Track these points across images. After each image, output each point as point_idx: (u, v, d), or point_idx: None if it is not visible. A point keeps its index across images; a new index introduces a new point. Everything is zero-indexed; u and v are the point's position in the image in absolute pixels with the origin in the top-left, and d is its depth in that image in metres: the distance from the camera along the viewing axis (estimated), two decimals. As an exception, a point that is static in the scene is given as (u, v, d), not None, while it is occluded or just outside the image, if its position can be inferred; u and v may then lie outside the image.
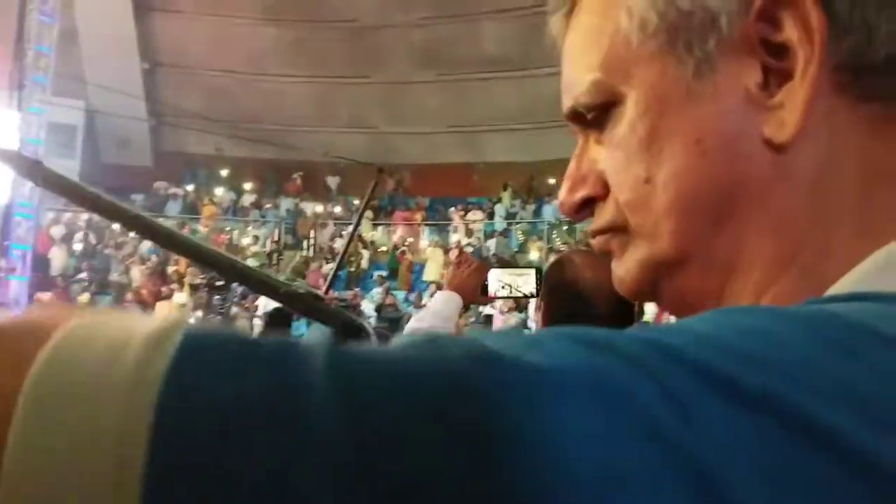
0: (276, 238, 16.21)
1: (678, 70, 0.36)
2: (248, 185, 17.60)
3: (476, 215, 15.82)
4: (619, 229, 0.40)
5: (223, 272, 0.80)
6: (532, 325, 11.71)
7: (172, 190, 17.03)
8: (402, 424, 0.21)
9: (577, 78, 0.40)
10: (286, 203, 17.22)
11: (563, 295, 1.42)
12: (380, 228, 16.13)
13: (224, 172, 17.70)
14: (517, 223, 15.44)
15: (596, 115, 0.40)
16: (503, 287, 1.75)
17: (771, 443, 0.22)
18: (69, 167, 13.52)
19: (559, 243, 13.82)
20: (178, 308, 11.68)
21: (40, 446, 0.20)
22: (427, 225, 16.12)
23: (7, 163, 0.72)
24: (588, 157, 0.41)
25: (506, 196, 15.99)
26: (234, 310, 12.31)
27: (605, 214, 0.41)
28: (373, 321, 10.28)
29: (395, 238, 15.70)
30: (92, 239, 15.32)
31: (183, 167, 17.59)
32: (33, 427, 0.21)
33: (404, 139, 16.82)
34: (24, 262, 11.34)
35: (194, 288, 13.09)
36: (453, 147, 16.58)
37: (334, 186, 17.27)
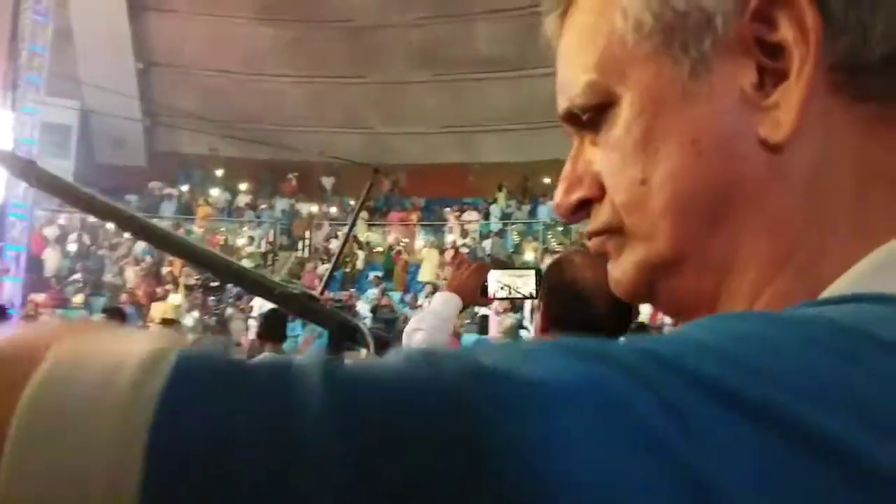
0: (271, 239, 16.19)
1: (674, 71, 0.36)
2: (243, 186, 17.58)
3: (471, 216, 15.82)
4: (615, 231, 0.40)
5: (218, 273, 0.80)
6: (528, 325, 11.72)
7: (167, 190, 16.99)
8: (397, 441, 0.21)
9: (572, 79, 0.40)
10: (281, 203, 17.19)
11: (563, 295, 1.42)
12: (375, 229, 16.12)
13: (219, 173, 17.67)
14: (512, 224, 15.45)
15: (591, 117, 0.39)
16: (502, 288, 1.75)
17: (771, 453, 0.22)
18: (63, 167, 13.47)
19: (555, 244, 13.83)
20: (174, 309, 11.65)
21: (35, 469, 0.20)
22: (423, 225, 16.12)
23: (1, 163, 0.72)
24: (583, 159, 0.41)
25: (501, 196, 16.00)
26: (229, 311, 12.28)
27: (601, 216, 0.40)
28: (368, 322, 10.27)
29: (391, 238, 15.70)
30: (86, 240, 15.28)
31: (178, 167, 17.55)
32: (28, 450, 0.21)
33: (400, 139, 16.82)
34: (17, 264, 11.30)
35: (189, 289, 13.05)
36: (449, 147, 16.58)
37: (329, 187, 17.25)
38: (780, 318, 0.28)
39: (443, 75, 16.16)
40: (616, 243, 0.40)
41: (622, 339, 0.28)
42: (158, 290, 13.49)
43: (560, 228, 14.08)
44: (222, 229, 16.29)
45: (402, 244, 15.30)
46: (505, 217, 15.71)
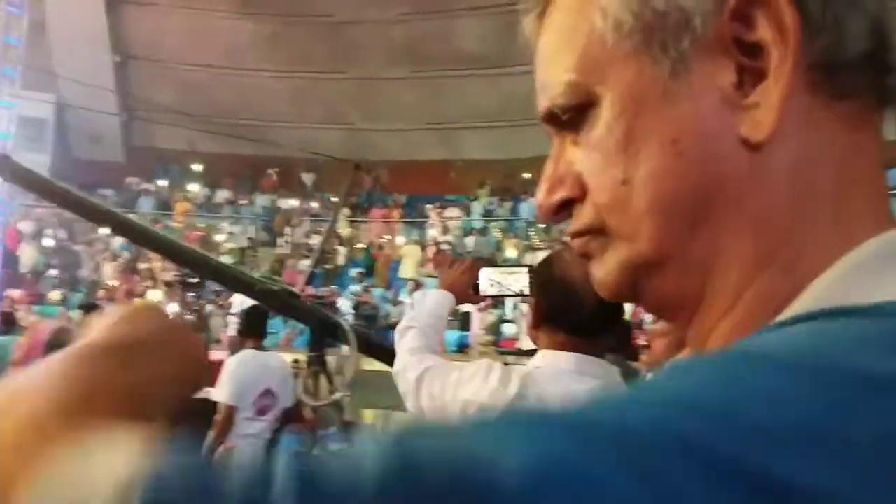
0: (251, 235, 16.07)
1: (654, 70, 0.36)
2: (222, 181, 17.42)
3: (453, 213, 15.82)
4: (597, 231, 0.40)
5: (197, 269, 0.80)
6: (509, 321, 11.75)
7: (145, 185, 16.80)
8: None
9: (552, 79, 0.40)
10: (261, 199, 17.07)
11: (553, 292, 1.44)
12: (357, 225, 16.06)
13: (198, 168, 17.50)
14: (495, 221, 15.47)
15: (572, 117, 0.39)
16: (493, 286, 1.76)
17: None
18: (39, 162, 13.25)
19: (536, 241, 13.87)
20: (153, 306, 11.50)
21: None
22: (404, 222, 16.09)
23: (-26, 157, 0.70)
24: (565, 159, 0.41)
25: (483, 193, 16.02)
26: (209, 307, 12.18)
27: (583, 216, 0.40)
28: (349, 319, 10.25)
29: (372, 235, 15.65)
30: (62, 235, 15.06)
31: (156, 162, 17.36)
32: None
33: (381, 136, 16.77)
34: (-8, 259, 11.11)
35: (168, 285, 12.92)
36: (431, 144, 16.56)
37: (310, 183, 17.15)
38: (764, 364, 0.27)
39: (424, 72, 16.12)
40: (599, 244, 0.40)
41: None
42: (136, 286, 13.34)
43: (542, 226, 14.12)
44: (201, 225, 16.14)
45: (383, 240, 15.26)
46: (487, 214, 15.73)
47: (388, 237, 15.51)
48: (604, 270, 0.40)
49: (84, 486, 0.24)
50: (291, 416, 4.25)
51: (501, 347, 10.96)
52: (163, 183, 17.18)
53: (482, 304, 10.82)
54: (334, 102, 16.68)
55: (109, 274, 13.85)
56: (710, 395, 0.25)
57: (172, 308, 11.64)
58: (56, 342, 5.40)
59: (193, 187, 17.28)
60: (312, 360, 3.09)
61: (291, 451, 0.24)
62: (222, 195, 17.27)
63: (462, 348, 10.78)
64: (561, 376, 1.40)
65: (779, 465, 0.22)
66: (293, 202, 16.77)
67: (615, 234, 0.39)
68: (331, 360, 3.38)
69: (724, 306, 0.37)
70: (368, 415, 10.08)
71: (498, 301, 10.43)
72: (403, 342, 1.65)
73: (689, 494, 0.22)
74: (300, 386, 3.54)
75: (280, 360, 4.48)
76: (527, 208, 14.75)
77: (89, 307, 7.61)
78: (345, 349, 1.96)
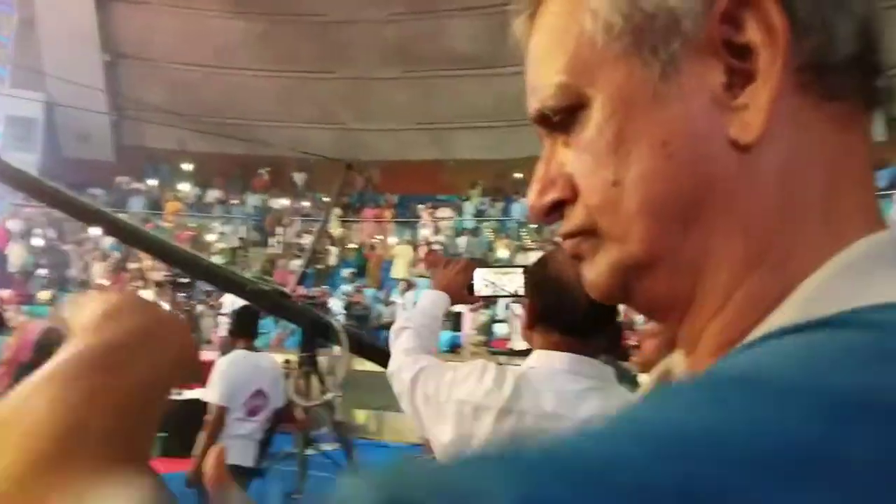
0: (242, 235, 16.02)
1: (644, 72, 0.37)
2: (213, 181, 17.36)
3: (445, 213, 15.82)
4: (588, 232, 0.40)
5: (188, 269, 0.79)
6: (501, 321, 11.76)
7: (135, 185, 16.72)
8: None
9: (543, 81, 0.40)
10: (253, 199, 17.02)
11: (547, 292, 1.44)
12: (348, 225, 16.05)
13: (188, 167, 17.43)
14: (486, 221, 15.49)
15: (562, 118, 0.39)
16: (487, 286, 1.76)
17: None
18: (28, 161, 13.16)
19: (528, 242, 13.90)
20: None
21: None
22: (396, 222, 16.09)
23: (-38, 156, 0.70)
24: (556, 161, 0.41)
25: (475, 194, 16.03)
26: (199, 308, 12.13)
27: (574, 218, 0.40)
28: (341, 319, 10.23)
29: (364, 235, 15.63)
30: (51, 234, 14.97)
31: (146, 162, 17.28)
32: None
33: (373, 135, 16.75)
34: (-20, 259, 11.03)
35: (158, 285, 12.87)
36: (422, 144, 16.56)
37: (301, 182, 17.12)
38: (736, 395, 0.25)
39: (415, 71, 16.12)
40: (590, 245, 0.40)
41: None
42: (126, 286, 13.27)
43: (534, 226, 14.14)
44: (192, 225, 16.07)
45: (375, 241, 15.25)
46: (478, 214, 15.74)
47: (380, 237, 15.50)
48: (595, 272, 0.40)
49: None
50: (283, 417, 4.24)
51: (493, 348, 10.97)
52: (153, 182, 17.11)
53: (474, 305, 10.84)
54: (326, 102, 16.65)
55: (99, 274, 13.77)
56: (699, 427, 0.24)
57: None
58: (45, 342, 5.37)
59: (184, 187, 17.21)
60: (304, 360, 3.09)
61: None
62: (213, 195, 17.21)
63: (454, 348, 10.78)
64: (555, 376, 1.41)
65: (775, 498, 0.21)
66: (284, 202, 16.73)
67: (606, 236, 0.39)
68: (322, 360, 3.38)
69: (714, 307, 0.37)
70: (360, 415, 10.07)
71: (489, 301, 10.45)
72: (398, 343, 1.65)
73: None
74: (291, 386, 3.53)
75: (271, 360, 4.47)
76: (518, 209, 14.78)
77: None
78: (336, 349, 1.96)
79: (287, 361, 5.64)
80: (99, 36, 16.39)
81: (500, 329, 11.73)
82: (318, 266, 13.98)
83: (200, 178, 17.33)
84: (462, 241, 14.55)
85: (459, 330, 11.44)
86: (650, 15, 0.36)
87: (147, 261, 12.73)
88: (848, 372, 0.25)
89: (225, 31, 16.27)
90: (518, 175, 14.63)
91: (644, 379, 1.22)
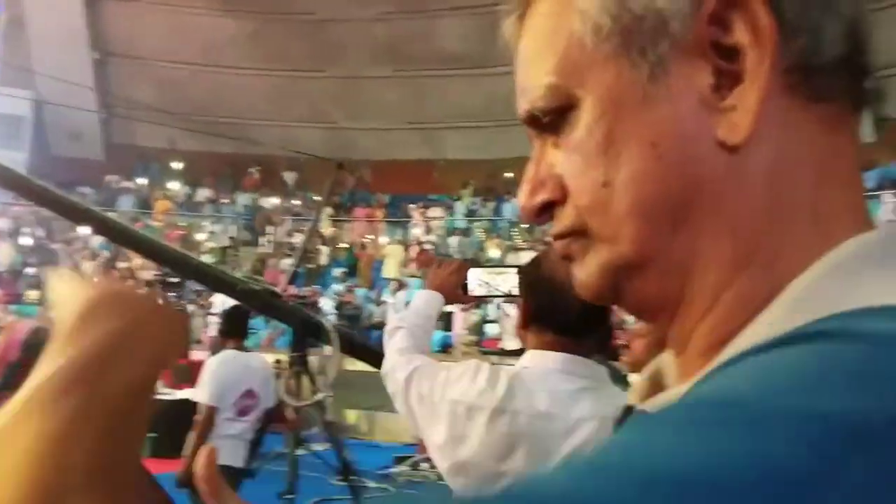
0: (232, 234, 15.95)
1: (633, 73, 0.37)
2: (203, 180, 17.28)
3: (437, 212, 15.81)
4: (579, 233, 0.40)
5: (178, 268, 0.79)
6: (492, 321, 11.77)
7: (124, 184, 16.62)
8: None
9: (533, 82, 0.40)
10: (243, 198, 16.95)
11: (541, 292, 1.45)
12: (339, 224, 16.01)
13: (178, 166, 17.34)
14: (478, 221, 15.49)
15: (552, 119, 0.40)
16: (481, 286, 1.77)
17: None
18: (17, 159, 13.05)
19: (519, 241, 13.91)
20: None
21: None
22: (387, 222, 16.06)
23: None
24: (546, 161, 0.41)
25: (466, 193, 16.03)
26: (189, 307, 12.07)
27: (564, 218, 0.40)
28: (332, 318, 10.21)
29: (355, 235, 15.60)
30: (40, 233, 14.86)
31: (136, 160, 17.18)
32: None
33: (363, 135, 16.72)
34: (-33, 258, 10.93)
35: (148, 284, 12.80)
36: (413, 144, 16.54)
37: (291, 182, 17.06)
38: (720, 425, 0.25)
39: (406, 71, 16.10)
40: (580, 245, 0.40)
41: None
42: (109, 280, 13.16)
43: (525, 226, 14.15)
44: (182, 224, 16.00)
45: (366, 240, 15.22)
46: (470, 214, 15.74)
47: (371, 237, 15.47)
48: (585, 272, 0.41)
49: None
50: (273, 417, 4.22)
51: (484, 347, 10.98)
52: (143, 181, 17.01)
53: (466, 305, 10.85)
54: (316, 101, 16.61)
55: (88, 273, 13.69)
56: (686, 465, 0.23)
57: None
58: (34, 341, 5.33)
59: (174, 185, 17.12)
60: (294, 360, 3.08)
61: None
62: (203, 194, 17.13)
63: (445, 348, 10.78)
64: (549, 376, 1.41)
65: None
66: (275, 201, 16.67)
67: (596, 236, 0.39)
68: (313, 360, 3.37)
69: (703, 307, 0.37)
70: (351, 415, 10.05)
71: (481, 301, 10.45)
72: (392, 342, 1.65)
73: None
74: (282, 386, 3.52)
75: (262, 360, 4.45)
76: (510, 208, 14.79)
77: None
78: (327, 349, 1.96)
79: (278, 361, 5.63)
80: (88, 34, 16.29)
81: (491, 329, 11.74)
82: (309, 266, 13.94)
83: (190, 177, 17.25)
84: (453, 241, 14.54)
85: (450, 330, 11.44)
86: (638, 16, 0.36)
87: (137, 260, 12.66)
88: (835, 395, 0.24)
89: (215, 30, 16.19)
90: (509, 175, 14.64)
91: (634, 378, 1.22)
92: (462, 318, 11.50)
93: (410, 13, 15.54)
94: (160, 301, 0.44)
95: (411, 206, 15.86)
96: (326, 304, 12.10)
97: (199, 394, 4.07)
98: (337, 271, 14.14)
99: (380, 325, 12.55)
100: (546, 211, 0.41)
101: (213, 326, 10.00)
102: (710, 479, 0.22)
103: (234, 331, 4.23)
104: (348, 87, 16.46)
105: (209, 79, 16.47)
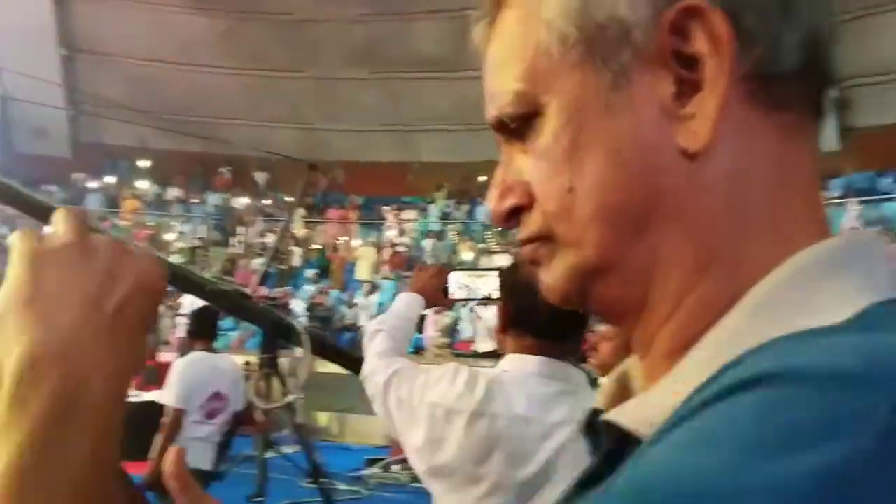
0: (202, 234, 15.76)
1: (597, 82, 0.37)
2: (173, 179, 17.04)
3: (410, 215, 15.80)
4: (546, 238, 0.40)
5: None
6: (464, 324, 11.77)
7: (92, 182, 16.34)
8: None
9: (501, 88, 0.40)
10: (213, 198, 16.76)
11: (520, 296, 1.45)
12: (312, 226, 15.91)
13: (148, 165, 17.09)
14: (451, 223, 15.51)
15: (519, 125, 0.40)
16: (461, 289, 1.78)
17: None
18: (-21, 156, 12.77)
19: (493, 244, 13.95)
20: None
21: None
22: (361, 224, 16.00)
23: None
24: (514, 167, 0.41)
25: (440, 196, 16.04)
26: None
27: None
28: (304, 320, 10.13)
29: (328, 236, 15.51)
30: (4, 231, 14.54)
31: (104, 158, 16.89)
32: None
33: (338, 136, 16.64)
34: (-73, 256, 10.66)
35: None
36: (388, 146, 16.51)
37: (262, 182, 16.92)
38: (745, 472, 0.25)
39: (381, 73, 16.07)
40: (547, 250, 0.41)
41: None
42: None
43: (498, 229, 14.19)
44: (151, 223, 15.76)
45: (339, 242, 15.14)
46: (444, 217, 15.75)
47: (344, 238, 15.40)
48: (552, 276, 0.41)
49: None
50: (242, 420, 4.18)
51: (457, 350, 10.98)
52: (111, 179, 16.73)
53: (437, 307, 10.84)
54: (290, 101, 16.49)
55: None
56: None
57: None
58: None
59: (143, 184, 16.86)
60: (264, 362, 3.05)
61: None
62: (173, 193, 16.90)
63: (417, 350, 10.77)
64: (527, 380, 1.42)
65: None
66: (246, 201, 16.51)
67: (562, 241, 0.40)
68: (283, 362, 3.34)
69: (665, 312, 0.38)
70: (322, 417, 9.98)
71: (454, 303, 10.46)
72: (372, 346, 1.64)
73: None
74: (252, 389, 3.49)
75: (231, 362, 4.40)
76: (483, 211, 14.82)
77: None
78: (298, 351, 1.94)
79: (247, 363, 5.57)
80: (56, 29, 15.99)
81: (464, 331, 11.76)
82: (282, 267, 13.83)
83: (160, 176, 17.00)
84: (427, 244, 14.53)
85: (422, 332, 11.43)
86: (602, 25, 0.37)
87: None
88: (780, 460, 0.24)
89: (187, 27, 15.99)
90: (483, 178, 14.67)
91: (603, 381, 1.24)
92: (434, 321, 11.49)
93: (387, 15, 15.51)
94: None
95: (385, 208, 15.83)
96: (298, 305, 12.01)
97: (166, 396, 4.01)
98: (309, 273, 14.04)
99: (352, 327, 12.52)
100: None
101: (181, 328, 9.86)
102: None
103: (202, 332, 4.18)
104: (323, 88, 16.37)
105: (181, 77, 16.26)
